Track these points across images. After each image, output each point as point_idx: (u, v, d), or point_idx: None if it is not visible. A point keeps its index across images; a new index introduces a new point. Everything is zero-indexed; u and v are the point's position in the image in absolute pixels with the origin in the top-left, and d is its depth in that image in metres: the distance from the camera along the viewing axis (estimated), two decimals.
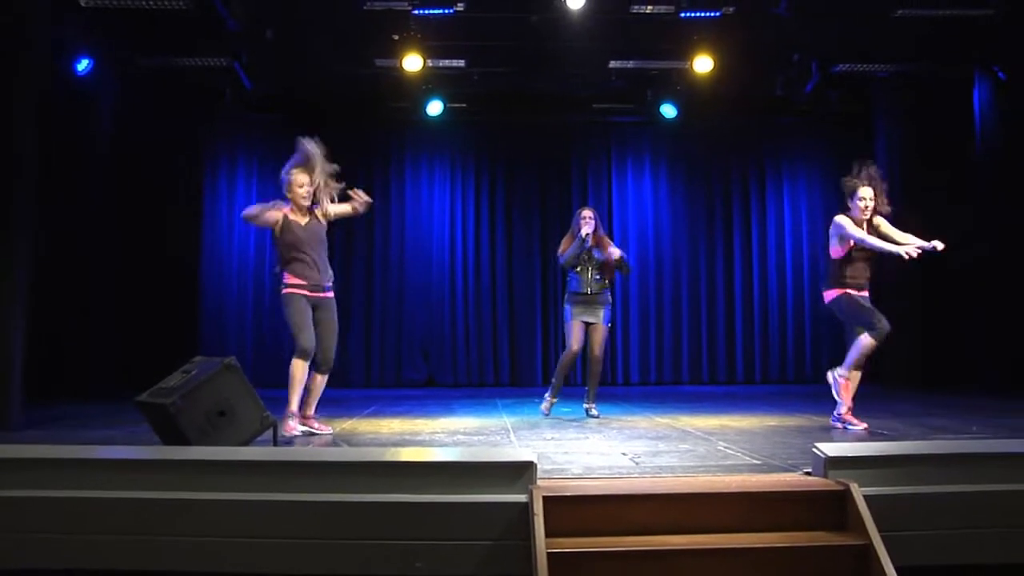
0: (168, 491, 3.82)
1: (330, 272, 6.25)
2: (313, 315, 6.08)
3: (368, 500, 3.74)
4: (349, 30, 9.67)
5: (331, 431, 6.19)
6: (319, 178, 6.12)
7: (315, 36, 9.83)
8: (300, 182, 6.10)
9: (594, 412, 7.44)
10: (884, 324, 6.09)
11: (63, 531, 3.77)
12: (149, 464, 4.00)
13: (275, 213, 6.06)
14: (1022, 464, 4.01)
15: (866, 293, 6.28)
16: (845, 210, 6.35)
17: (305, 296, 6.05)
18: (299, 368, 5.95)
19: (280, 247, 6.11)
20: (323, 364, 6.16)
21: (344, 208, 6.33)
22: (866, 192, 6.27)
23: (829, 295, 6.37)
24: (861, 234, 6.16)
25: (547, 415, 7.46)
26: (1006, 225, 9.71)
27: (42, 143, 7.39)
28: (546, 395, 7.64)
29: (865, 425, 6.13)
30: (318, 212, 6.16)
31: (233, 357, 5.27)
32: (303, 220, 6.10)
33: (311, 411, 6.16)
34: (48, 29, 7.82)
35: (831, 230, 6.37)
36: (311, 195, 6.11)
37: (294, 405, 5.96)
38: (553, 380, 7.66)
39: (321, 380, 6.20)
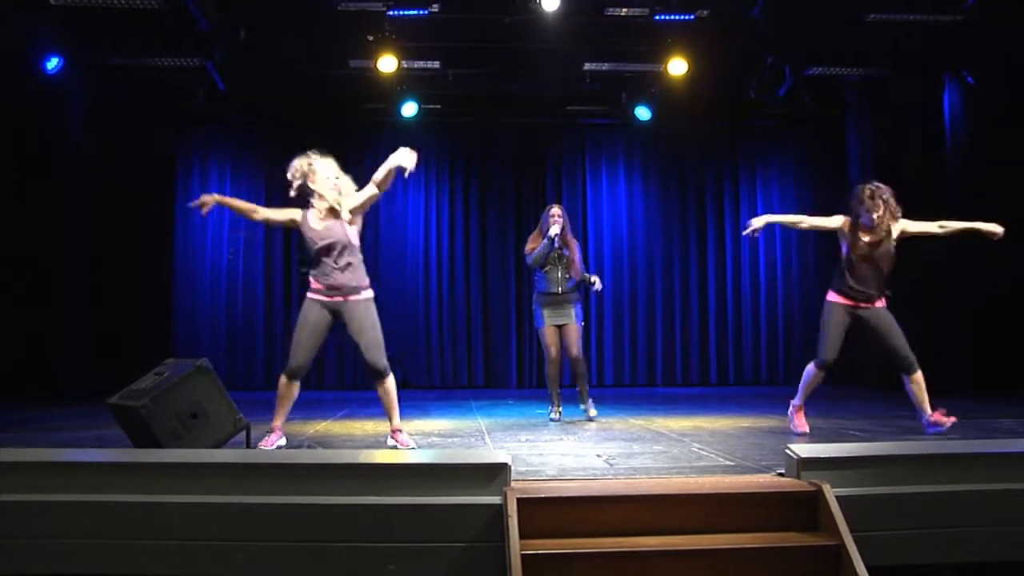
0: (139, 494, 3.79)
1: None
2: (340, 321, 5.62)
3: (341, 502, 3.72)
4: (323, 31, 9.64)
5: (414, 446, 5.58)
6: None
7: (289, 37, 9.78)
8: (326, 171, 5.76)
9: (592, 413, 7.28)
10: (828, 358, 6.06)
11: (32, 536, 3.73)
12: (120, 467, 3.96)
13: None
14: (992, 465, 4.05)
15: (875, 305, 6.03)
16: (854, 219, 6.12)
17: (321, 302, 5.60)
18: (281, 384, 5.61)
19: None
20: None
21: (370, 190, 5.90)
22: (875, 198, 6.02)
23: (827, 297, 6.18)
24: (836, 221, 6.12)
25: (559, 419, 7.24)
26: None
27: (11, 142, 7.30)
28: (549, 408, 7.39)
29: (806, 429, 6.11)
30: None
31: (205, 359, 5.24)
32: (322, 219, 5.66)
33: (395, 422, 5.59)
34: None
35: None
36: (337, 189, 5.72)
37: (277, 420, 5.54)
38: (549, 393, 7.44)
39: (380, 389, 5.71)
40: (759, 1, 8.80)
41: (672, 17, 9.38)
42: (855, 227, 6.09)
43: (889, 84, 10.78)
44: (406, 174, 5.72)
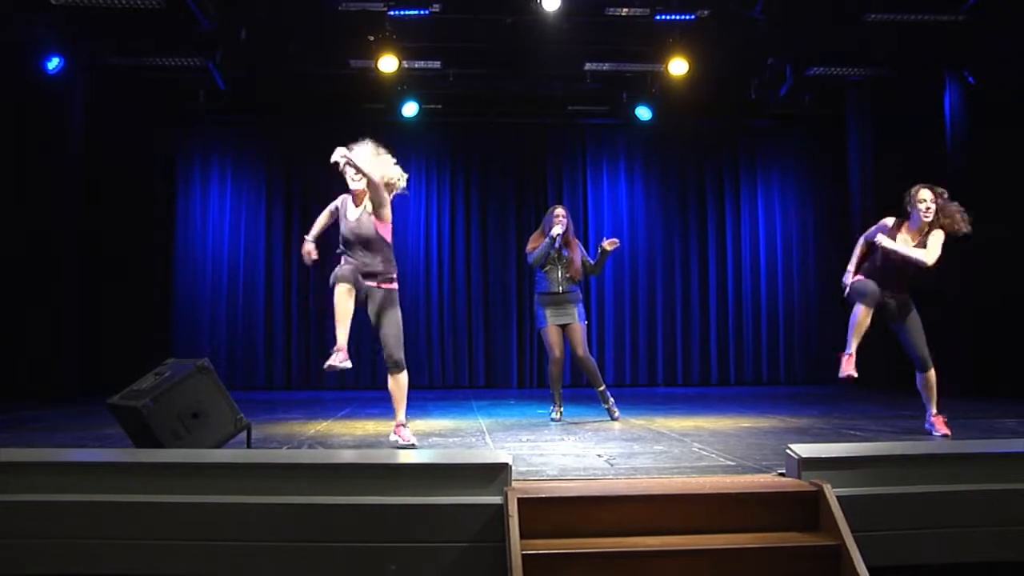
0: (140, 494, 3.79)
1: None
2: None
3: (342, 502, 3.72)
4: (324, 30, 9.64)
5: (415, 442, 5.67)
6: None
7: (290, 36, 9.79)
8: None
9: (616, 414, 7.25)
10: (874, 292, 5.87)
11: (33, 536, 3.73)
12: (120, 467, 3.96)
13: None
14: (993, 465, 4.05)
15: (894, 294, 5.97)
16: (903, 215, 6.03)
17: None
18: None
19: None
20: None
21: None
22: (925, 194, 5.91)
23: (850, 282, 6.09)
24: (888, 241, 5.89)
25: (559, 420, 7.22)
26: (975, 227, 9.79)
27: (11, 142, 7.30)
28: (551, 408, 7.38)
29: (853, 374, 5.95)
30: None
31: (206, 359, 5.24)
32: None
33: (400, 417, 5.70)
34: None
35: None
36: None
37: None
38: (551, 393, 7.43)
39: (391, 382, 5.79)
40: (760, 1, 8.80)
41: (673, 17, 9.38)
42: (899, 225, 6.03)
43: (890, 84, 10.79)
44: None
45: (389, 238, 5.71)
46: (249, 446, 5.28)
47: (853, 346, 5.95)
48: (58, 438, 6.08)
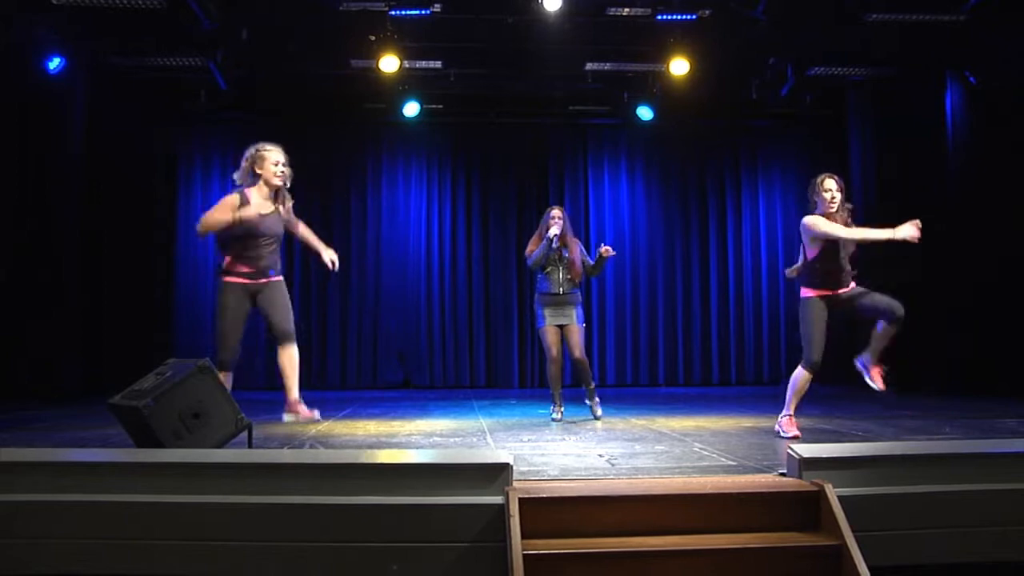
0: (141, 494, 3.79)
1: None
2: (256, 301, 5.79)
3: (343, 502, 3.72)
4: (325, 30, 9.64)
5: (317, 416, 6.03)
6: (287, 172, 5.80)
7: (291, 36, 9.79)
8: (276, 159, 5.81)
9: (598, 412, 7.28)
10: (815, 357, 5.82)
11: (33, 536, 3.73)
12: (121, 467, 3.96)
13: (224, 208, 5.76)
14: (995, 464, 4.05)
15: (846, 288, 5.87)
16: (810, 211, 6.01)
17: (243, 285, 5.77)
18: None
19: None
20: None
21: (310, 239, 6.12)
22: (830, 183, 5.93)
23: (802, 294, 6.00)
24: (835, 227, 5.81)
25: (560, 419, 7.22)
26: (976, 226, 9.82)
27: (12, 142, 7.30)
28: (551, 408, 7.38)
29: (797, 434, 5.90)
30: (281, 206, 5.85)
31: (207, 359, 5.23)
32: (267, 208, 5.79)
33: (294, 395, 5.90)
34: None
35: (802, 233, 5.98)
36: (285, 179, 5.80)
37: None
38: (551, 393, 7.43)
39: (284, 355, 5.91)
40: (761, 1, 8.80)
41: (674, 17, 9.38)
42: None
43: (891, 84, 10.79)
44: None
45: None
46: (250, 446, 5.27)
47: (792, 407, 5.98)
48: (59, 438, 6.08)
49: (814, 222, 5.90)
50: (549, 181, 12.58)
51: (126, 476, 3.87)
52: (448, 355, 12.29)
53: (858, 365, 5.96)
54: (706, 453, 5.10)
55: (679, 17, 9.39)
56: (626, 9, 9.32)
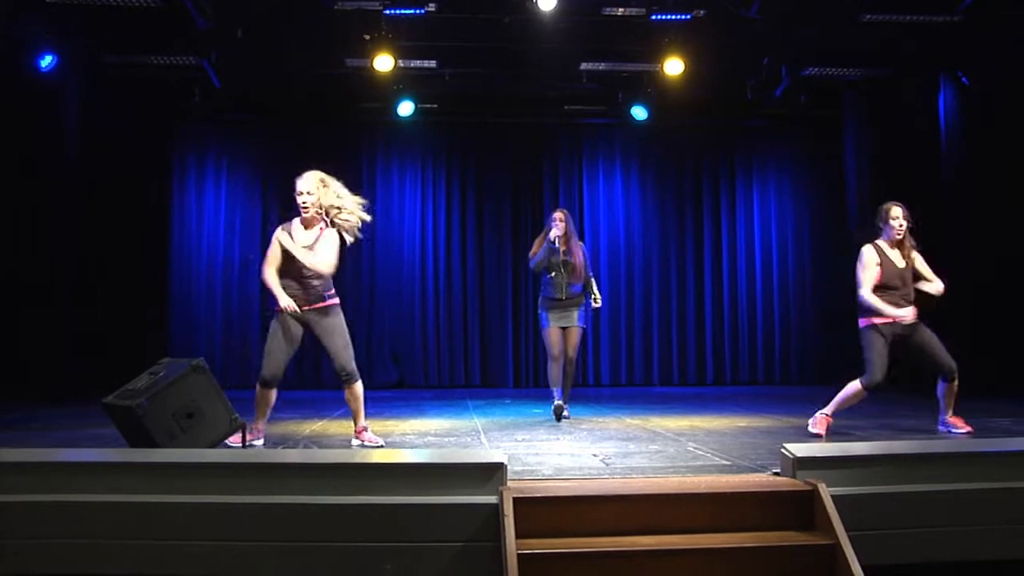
0: (134, 494, 3.78)
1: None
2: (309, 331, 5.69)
3: (337, 502, 3.72)
4: (320, 29, 9.63)
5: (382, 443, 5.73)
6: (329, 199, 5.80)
7: (286, 35, 9.77)
8: (299, 188, 5.76)
9: (566, 413, 7.34)
10: (876, 378, 5.91)
11: (26, 537, 3.72)
12: (114, 467, 3.95)
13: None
14: (987, 463, 4.06)
15: (908, 312, 5.93)
16: (875, 236, 6.12)
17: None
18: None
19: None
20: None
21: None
22: (898, 211, 6.03)
23: (860, 323, 6.09)
24: (866, 276, 5.97)
25: (566, 414, 7.28)
26: (971, 226, 9.85)
27: (4, 140, 7.27)
28: (553, 403, 7.37)
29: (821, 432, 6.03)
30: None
31: (201, 359, 5.23)
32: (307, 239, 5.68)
33: (360, 423, 5.71)
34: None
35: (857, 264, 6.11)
36: (314, 206, 5.72)
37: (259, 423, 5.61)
38: (553, 393, 7.41)
39: (348, 393, 5.77)
40: (756, 1, 8.80)
41: (669, 17, 9.38)
42: (879, 248, 6.09)
43: (886, 84, 10.81)
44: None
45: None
46: (244, 446, 5.27)
47: (832, 410, 6.12)
48: (53, 438, 6.07)
49: (864, 256, 6.07)
50: (544, 181, 12.58)
51: (119, 476, 3.86)
52: (443, 355, 12.28)
53: (942, 430, 6.07)
54: (700, 453, 5.11)
55: (674, 17, 9.39)
56: (621, 9, 9.33)
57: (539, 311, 7.53)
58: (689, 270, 12.65)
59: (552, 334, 7.35)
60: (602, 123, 12.52)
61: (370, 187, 12.38)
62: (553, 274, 7.34)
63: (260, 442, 5.53)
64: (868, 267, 6.01)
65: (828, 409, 6.12)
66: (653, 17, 9.36)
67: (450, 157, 12.61)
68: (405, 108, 11.27)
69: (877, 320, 5.99)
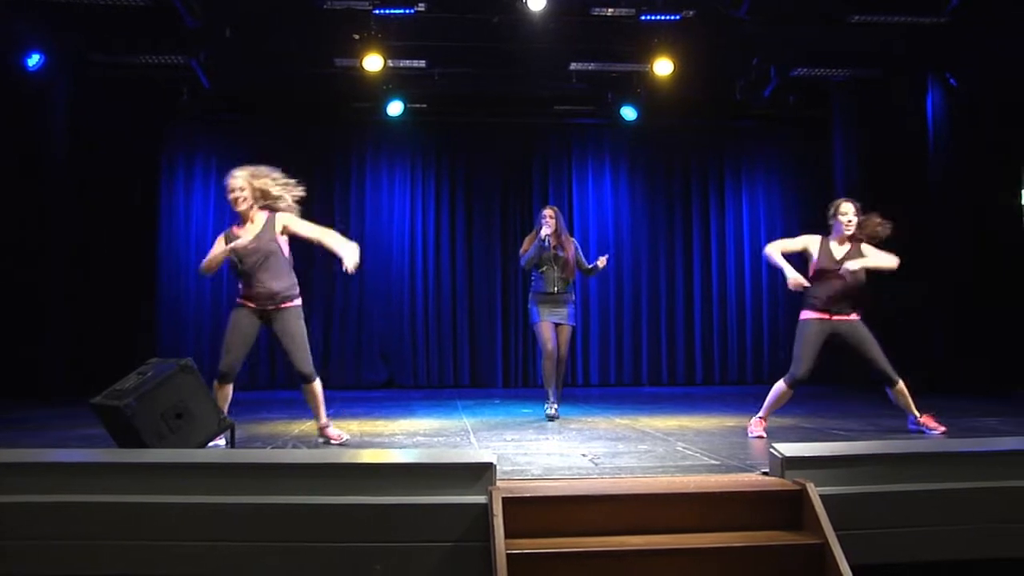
0: (123, 495, 3.77)
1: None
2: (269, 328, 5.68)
3: (326, 502, 3.72)
4: (309, 29, 9.62)
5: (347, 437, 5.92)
6: (261, 185, 5.80)
7: (275, 35, 9.75)
8: (230, 187, 5.76)
9: (553, 412, 7.26)
10: (800, 373, 5.98)
11: (13, 538, 3.70)
12: (103, 468, 3.93)
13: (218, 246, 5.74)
14: (975, 463, 4.08)
15: (847, 317, 6.00)
16: (826, 230, 6.17)
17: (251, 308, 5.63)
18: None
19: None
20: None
21: (324, 240, 5.97)
22: (847, 207, 6.07)
23: (800, 315, 6.19)
24: (784, 244, 6.20)
25: (555, 415, 7.22)
26: (959, 227, 9.90)
27: None
28: (546, 404, 7.35)
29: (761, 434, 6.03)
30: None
31: (190, 358, 5.21)
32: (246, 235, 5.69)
33: (321, 422, 5.82)
34: None
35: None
36: (246, 200, 5.72)
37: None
38: (545, 389, 7.41)
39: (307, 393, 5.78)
40: (745, 2, 8.83)
41: (658, 17, 9.40)
42: (825, 241, 6.16)
43: (874, 85, 10.85)
44: (345, 267, 5.75)
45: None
46: (233, 446, 5.26)
47: (766, 412, 6.18)
48: (40, 438, 6.05)
49: (798, 237, 6.26)
50: (533, 181, 12.58)
51: (107, 477, 3.84)
52: (432, 355, 12.27)
53: (912, 430, 6.06)
54: (689, 452, 5.12)
55: (663, 17, 9.41)
56: (610, 9, 9.34)
57: (530, 306, 7.51)
58: (678, 270, 12.66)
59: (545, 328, 7.33)
60: (591, 123, 12.53)
61: (359, 187, 12.38)
62: (544, 268, 7.35)
63: (222, 442, 5.43)
64: (794, 242, 6.23)
65: (761, 412, 6.17)
66: (643, 17, 9.38)
67: (439, 157, 12.60)
68: (395, 108, 11.27)
69: (811, 314, 6.04)
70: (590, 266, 7.59)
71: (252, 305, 5.64)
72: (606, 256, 7.61)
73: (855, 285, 6.00)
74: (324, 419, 5.82)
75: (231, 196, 5.74)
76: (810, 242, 6.18)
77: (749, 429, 6.14)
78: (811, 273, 6.09)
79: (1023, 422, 6.60)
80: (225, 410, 5.48)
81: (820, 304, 6.03)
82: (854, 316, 6.03)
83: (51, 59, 9.53)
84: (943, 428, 5.94)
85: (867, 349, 5.97)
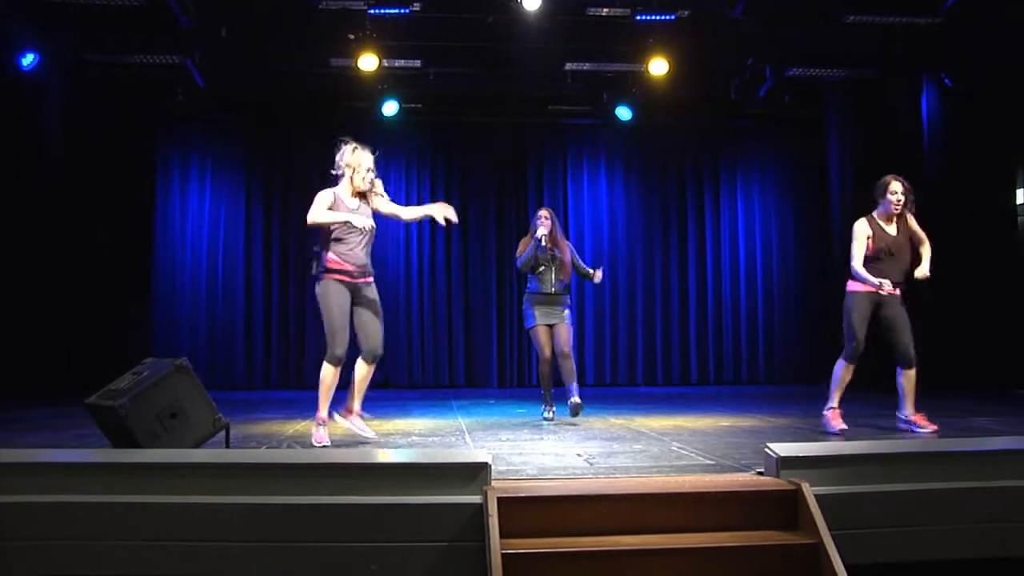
0: (117, 495, 3.76)
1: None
2: (352, 302, 5.68)
3: (322, 502, 3.71)
4: (304, 29, 9.61)
5: (375, 436, 5.92)
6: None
7: (270, 34, 9.75)
8: (366, 163, 5.73)
9: (549, 415, 7.24)
10: (857, 347, 6.07)
11: (9, 538, 3.69)
12: (97, 468, 3.92)
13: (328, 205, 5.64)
14: (969, 462, 4.08)
15: (887, 283, 5.95)
16: (871, 209, 6.22)
17: (345, 283, 5.61)
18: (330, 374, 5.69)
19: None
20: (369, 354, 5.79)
21: (412, 212, 6.14)
22: (897, 186, 6.14)
23: (848, 287, 6.20)
24: (859, 251, 6.06)
25: (552, 419, 7.20)
26: (955, 226, 9.91)
27: None
28: (543, 408, 7.37)
29: (844, 427, 6.09)
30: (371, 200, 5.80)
31: (185, 359, 5.20)
32: (355, 204, 5.70)
33: (357, 405, 5.87)
34: None
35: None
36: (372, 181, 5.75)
37: (323, 411, 5.67)
38: (542, 393, 7.43)
39: (368, 371, 5.84)
40: (740, 2, 8.84)
41: (653, 17, 9.41)
42: (872, 221, 6.18)
43: (869, 85, 10.87)
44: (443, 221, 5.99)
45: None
46: (228, 446, 5.25)
47: (836, 399, 6.19)
48: (36, 438, 6.03)
49: (856, 230, 6.16)
50: (528, 181, 12.59)
51: (102, 477, 3.83)
52: (427, 355, 12.27)
53: (902, 427, 6.11)
54: (684, 452, 5.12)
55: (658, 17, 9.42)
56: (605, 9, 9.35)
57: (524, 309, 7.43)
58: (673, 270, 12.67)
59: (541, 332, 7.26)
60: (587, 123, 12.54)
61: None
62: (541, 269, 7.29)
63: (353, 426, 5.81)
64: (859, 239, 6.10)
65: (831, 402, 6.19)
66: (638, 17, 9.39)
67: (434, 157, 12.60)
68: (390, 108, 11.26)
69: (860, 287, 6.07)
70: (587, 269, 7.54)
71: (346, 279, 5.61)
72: (600, 269, 7.55)
73: (905, 261, 6.12)
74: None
75: (372, 174, 5.78)
76: (866, 230, 6.14)
77: (829, 424, 6.14)
78: (869, 253, 6.09)
79: (1018, 422, 6.61)
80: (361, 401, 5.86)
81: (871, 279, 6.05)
82: (897, 291, 6.08)
83: (46, 59, 9.51)
84: (934, 427, 5.96)
85: (900, 325, 6.06)
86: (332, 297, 5.57)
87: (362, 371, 5.83)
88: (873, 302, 6.06)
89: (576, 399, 7.07)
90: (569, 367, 7.29)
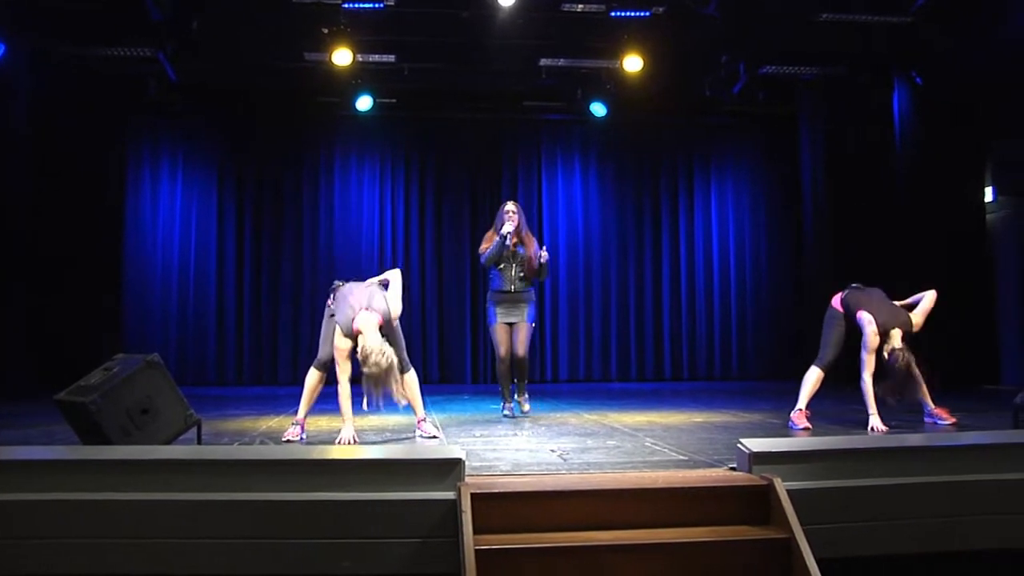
0: (87, 492, 3.72)
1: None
2: None
3: (294, 499, 3.69)
4: (278, 22, 9.55)
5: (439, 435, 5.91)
6: None
7: (243, 28, 9.67)
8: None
9: (526, 408, 7.25)
10: (829, 361, 6.21)
11: None
12: (68, 465, 3.88)
13: None
14: (940, 457, 4.12)
15: (880, 426, 5.93)
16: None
17: None
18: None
19: None
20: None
21: None
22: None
23: (832, 302, 6.30)
24: (869, 355, 6.03)
25: (512, 415, 7.17)
26: (925, 222, 10.00)
27: None
28: (502, 405, 7.33)
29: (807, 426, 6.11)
30: None
31: (156, 354, 5.16)
32: None
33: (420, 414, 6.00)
34: None
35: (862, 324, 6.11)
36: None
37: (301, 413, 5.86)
38: (500, 390, 7.36)
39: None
40: None
41: (628, 14, 9.43)
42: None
43: (841, 83, 10.94)
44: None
45: None
46: (200, 442, 5.22)
47: (804, 401, 6.24)
48: (3, 435, 5.96)
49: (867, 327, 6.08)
50: (503, 176, 12.58)
51: (72, 474, 3.79)
52: None
53: (927, 420, 6.24)
54: (657, 448, 5.13)
55: (633, 14, 9.44)
56: (580, 5, 9.35)
57: (487, 305, 7.33)
58: (647, 266, 12.71)
59: (499, 330, 7.17)
60: (561, 119, 12.54)
61: (328, 182, 12.32)
62: (502, 266, 7.15)
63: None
64: (869, 344, 6.02)
65: (799, 403, 6.23)
66: (612, 14, 9.40)
67: (409, 152, 12.57)
68: (364, 103, 11.22)
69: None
70: (541, 270, 7.32)
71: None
72: (545, 249, 7.33)
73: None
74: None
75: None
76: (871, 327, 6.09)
77: (794, 423, 6.18)
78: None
79: (986, 418, 6.67)
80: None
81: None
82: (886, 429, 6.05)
83: (13, 50, 9.37)
84: (954, 419, 6.13)
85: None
86: None
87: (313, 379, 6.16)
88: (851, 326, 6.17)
89: (527, 407, 7.28)
90: (523, 369, 7.26)
